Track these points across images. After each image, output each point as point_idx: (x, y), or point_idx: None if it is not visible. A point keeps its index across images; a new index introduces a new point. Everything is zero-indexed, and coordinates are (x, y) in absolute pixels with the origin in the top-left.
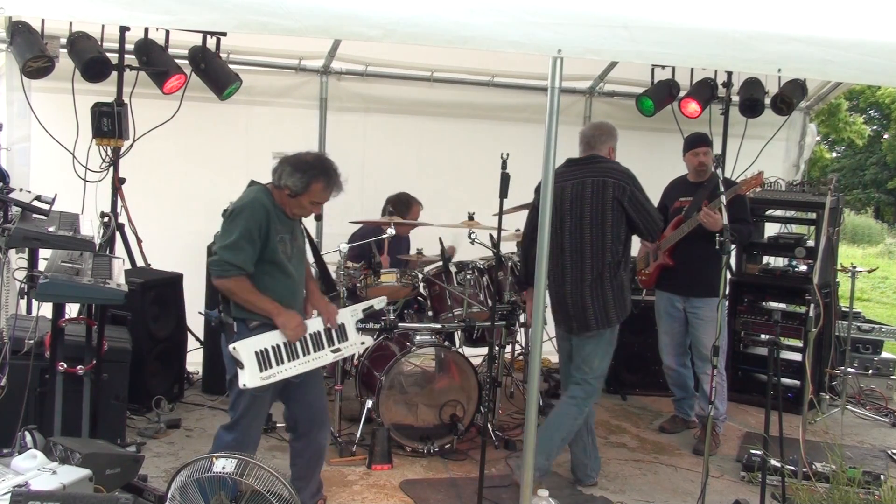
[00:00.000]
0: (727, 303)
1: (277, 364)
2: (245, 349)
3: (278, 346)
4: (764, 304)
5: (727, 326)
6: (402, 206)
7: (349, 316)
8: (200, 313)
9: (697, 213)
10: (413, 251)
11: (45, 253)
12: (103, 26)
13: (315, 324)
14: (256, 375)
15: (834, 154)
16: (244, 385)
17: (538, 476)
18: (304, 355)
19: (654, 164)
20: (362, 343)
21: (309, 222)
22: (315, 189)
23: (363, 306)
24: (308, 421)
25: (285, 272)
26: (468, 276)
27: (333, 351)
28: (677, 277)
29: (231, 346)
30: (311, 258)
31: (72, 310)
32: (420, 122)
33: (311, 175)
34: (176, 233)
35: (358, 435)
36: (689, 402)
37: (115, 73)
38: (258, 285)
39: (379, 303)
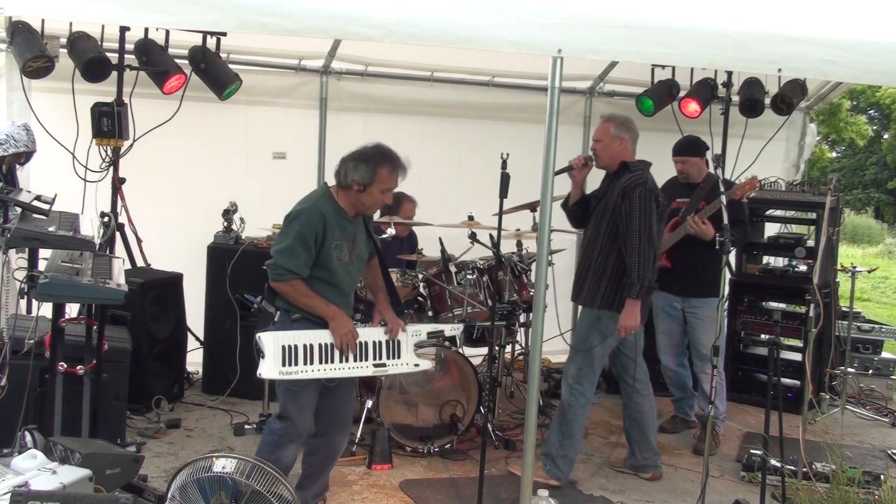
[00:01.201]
0: (727, 303)
1: (305, 363)
2: (271, 341)
3: (311, 346)
4: (764, 304)
5: (726, 326)
6: (393, 205)
7: (408, 335)
8: (237, 296)
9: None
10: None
11: (45, 253)
12: (103, 26)
13: (367, 333)
14: (276, 369)
15: (834, 154)
16: (260, 374)
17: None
18: (341, 362)
19: (654, 164)
20: (416, 365)
21: None
22: (382, 175)
23: (430, 328)
24: (329, 421)
25: (337, 277)
26: (468, 276)
27: (376, 365)
28: (675, 278)
29: (258, 335)
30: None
31: (72, 310)
32: (420, 122)
33: (375, 162)
34: (176, 233)
35: (358, 435)
36: (689, 402)
37: (115, 73)
38: (309, 287)
39: (452, 329)
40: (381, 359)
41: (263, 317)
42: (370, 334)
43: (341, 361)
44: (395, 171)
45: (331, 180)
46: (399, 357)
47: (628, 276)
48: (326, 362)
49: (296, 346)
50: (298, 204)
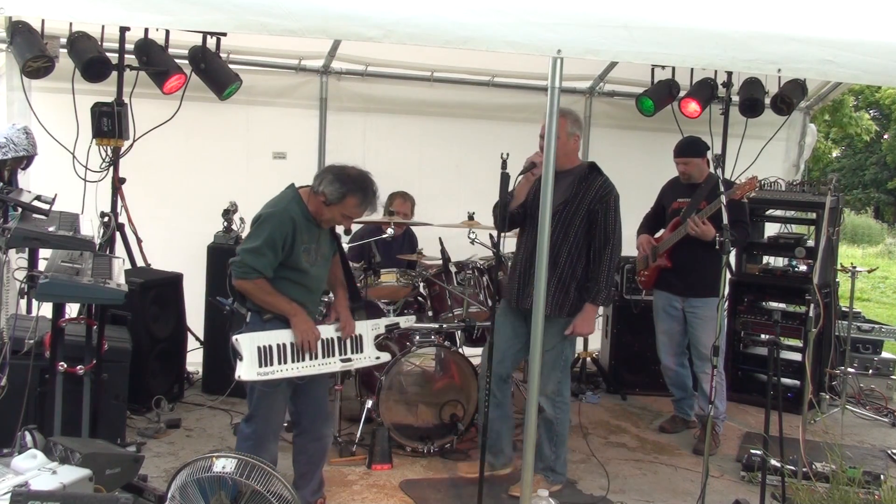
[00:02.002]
0: (727, 303)
1: (280, 363)
2: (248, 342)
3: (284, 346)
4: (764, 304)
5: (726, 326)
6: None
7: (369, 329)
8: (212, 300)
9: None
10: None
11: (45, 253)
12: (103, 26)
13: (331, 330)
14: (254, 370)
15: (835, 154)
16: (238, 377)
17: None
18: (311, 359)
19: (654, 164)
20: (377, 358)
21: None
22: (349, 203)
23: (387, 322)
24: (312, 416)
25: (306, 278)
26: (468, 276)
27: (343, 360)
28: (676, 278)
29: (234, 338)
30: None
31: (72, 310)
32: (420, 122)
33: (348, 188)
34: (176, 233)
35: (358, 435)
36: (689, 402)
37: (115, 73)
38: (278, 287)
39: (406, 321)
40: (346, 354)
41: (237, 319)
42: (330, 331)
43: (311, 359)
44: (363, 204)
45: None
46: (362, 351)
47: (595, 280)
48: (298, 360)
49: (270, 347)
50: (268, 206)
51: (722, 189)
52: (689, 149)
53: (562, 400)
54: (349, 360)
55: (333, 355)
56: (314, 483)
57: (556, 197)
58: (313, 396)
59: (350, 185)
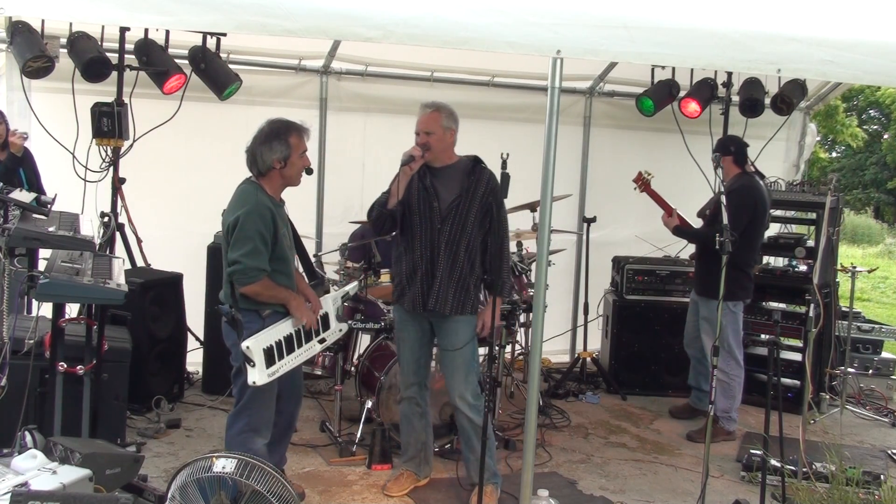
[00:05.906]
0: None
1: (279, 359)
2: (257, 347)
3: (280, 341)
4: (764, 304)
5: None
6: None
7: (331, 304)
8: (216, 308)
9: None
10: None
11: (45, 253)
12: (103, 26)
13: None
14: (265, 373)
15: (833, 154)
16: (254, 382)
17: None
18: (298, 347)
19: (654, 164)
20: (340, 330)
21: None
22: (295, 142)
23: (341, 293)
24: (287, 392)
25: (286, 265)
26: None
27: (319, 341)
28: (695, 275)
29: (245, 345)
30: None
31: (72, 310)
32: None
33: (283, 134)
34: (176, 233)
35: (358, 435)
36: (699, 394)
37: (115, 73)
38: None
39: (353, 288)
40: (319, 334)
41: (238, 324)
42: None
43: (298, 346)
44: (301, 133)
45: (331, 179)
46: (329, 328)
47: (497, 273)
48: (293, 351)
49: (272, 346)
50: (239, 206)
51: (722, 189)
52: (717, 145)
53: (480, 403)
54: (323, 339)
55: (312, 339)
56: (275, 457)
57: (446, 193)
58: (289, 374)
59: (281, 133)
